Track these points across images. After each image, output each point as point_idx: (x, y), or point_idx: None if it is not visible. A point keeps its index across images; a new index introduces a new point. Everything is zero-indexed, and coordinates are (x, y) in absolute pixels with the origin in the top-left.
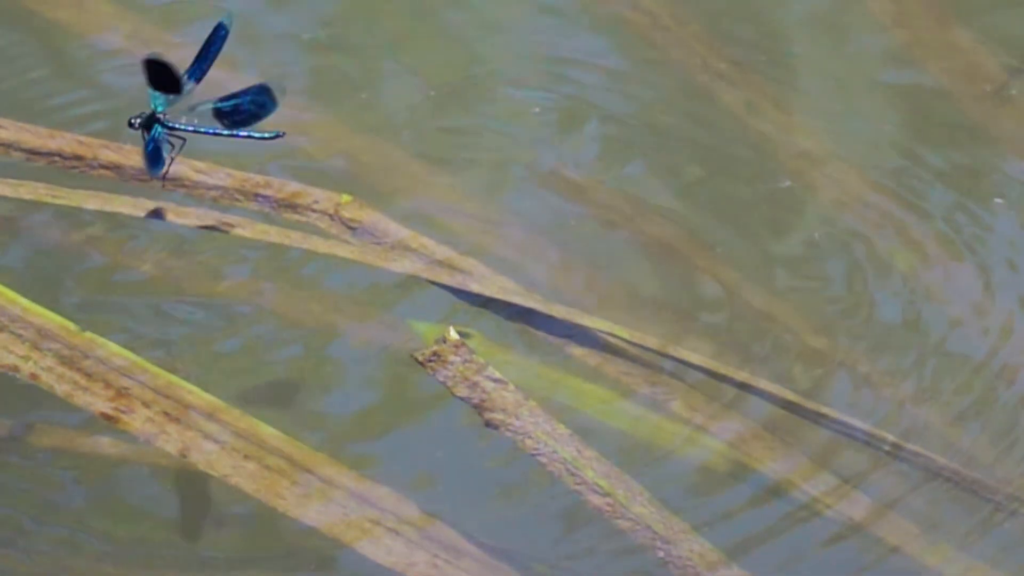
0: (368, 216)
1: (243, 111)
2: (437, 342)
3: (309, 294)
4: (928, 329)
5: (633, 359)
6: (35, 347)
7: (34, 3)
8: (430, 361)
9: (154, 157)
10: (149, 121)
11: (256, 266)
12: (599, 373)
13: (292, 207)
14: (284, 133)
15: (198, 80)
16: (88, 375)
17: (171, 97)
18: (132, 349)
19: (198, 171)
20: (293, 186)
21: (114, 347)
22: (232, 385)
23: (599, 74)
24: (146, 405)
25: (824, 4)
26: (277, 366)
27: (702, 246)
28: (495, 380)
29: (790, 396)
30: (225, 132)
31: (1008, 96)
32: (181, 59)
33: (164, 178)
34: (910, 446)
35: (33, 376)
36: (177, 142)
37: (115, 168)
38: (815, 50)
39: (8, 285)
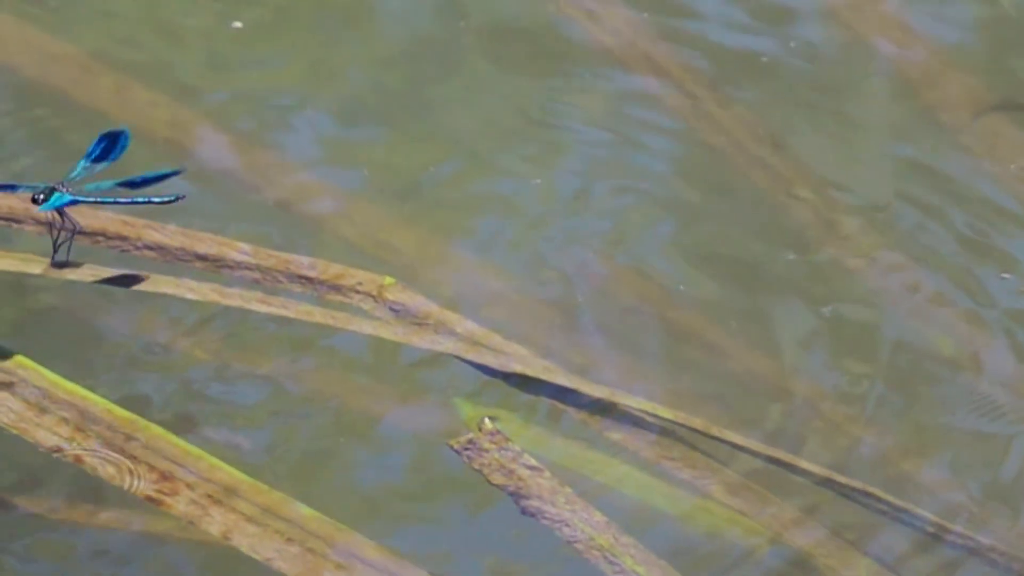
0: (410, 298)
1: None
2: (477, 426)
3: (349, 374)
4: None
5: (672, 441)
6: (79, 429)
7: (73, 89)
8: (466, 449)
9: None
10: (50, 193)
11: (297, 346)
12: (637, 456)
13: (336, 288)
14: (184, 196)
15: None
16: (132, 457)
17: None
18: (173, 430)
19: (241, 252)
20: (336, 268)
21: (157, 429)
22: (274, 466)
23: (621, 148)
24: (189, 487)
25: (875, 91)
26: (318, 447)
27: (720, 324)
28: (531, 467)
29: (835, 477)
30: (124, 200)
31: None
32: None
33: (66, 257)
34: (954, 527)
35: (77, 459)
36: (71, 224)
37: (159, 249)
38: (859, 133)
39: (49, 366)
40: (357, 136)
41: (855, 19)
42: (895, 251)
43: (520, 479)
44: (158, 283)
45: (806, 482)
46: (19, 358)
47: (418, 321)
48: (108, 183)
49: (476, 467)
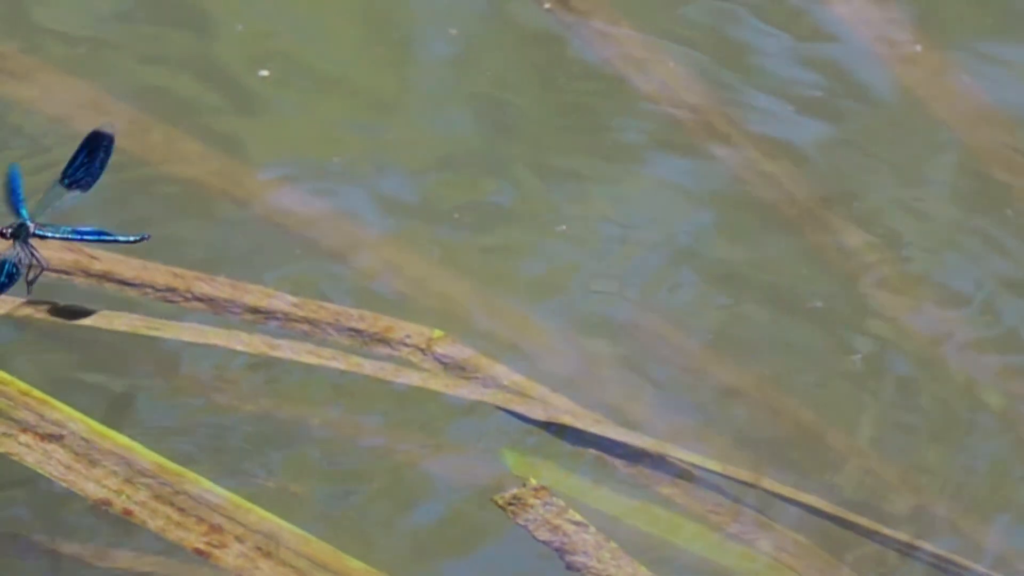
0: (459, 351)
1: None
2: (522, 482)
3: (394, 426)
4: None
5: (719, 495)
6: (128, 481)
7: (124, 141)
8: (511, 505)
9: (15, 267)
10: (19, 230)
11: (344, 396)
12: (685, 509)
13: (384, 341)
14: (149, 236)
15: (77, 187)
16: (181, 510)
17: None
18: (220, 481)
19: (290, 304)
20: (385, 320)
21: (206, 482)
22: (322, 518)
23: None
24: (239, 540)
25: (930, 147)
26: (366, 499)
27: (762, 377)
28: (576, 523)
29: (885, 531)
30: (91, 237)
31: None
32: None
33: (29, 292)
34: None
35: (126, 511)
36: (40, 262)
37: (208, 300)
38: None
39: (95, 418)
40: (398, 182)
41: (910, 77)
42: (936, 301)
43: (565, 534)
44: (208, 334)
45: (858, 537)
46: (68, 410)
47: (466, 375)
48: (74, 235)
49: (521, 522)
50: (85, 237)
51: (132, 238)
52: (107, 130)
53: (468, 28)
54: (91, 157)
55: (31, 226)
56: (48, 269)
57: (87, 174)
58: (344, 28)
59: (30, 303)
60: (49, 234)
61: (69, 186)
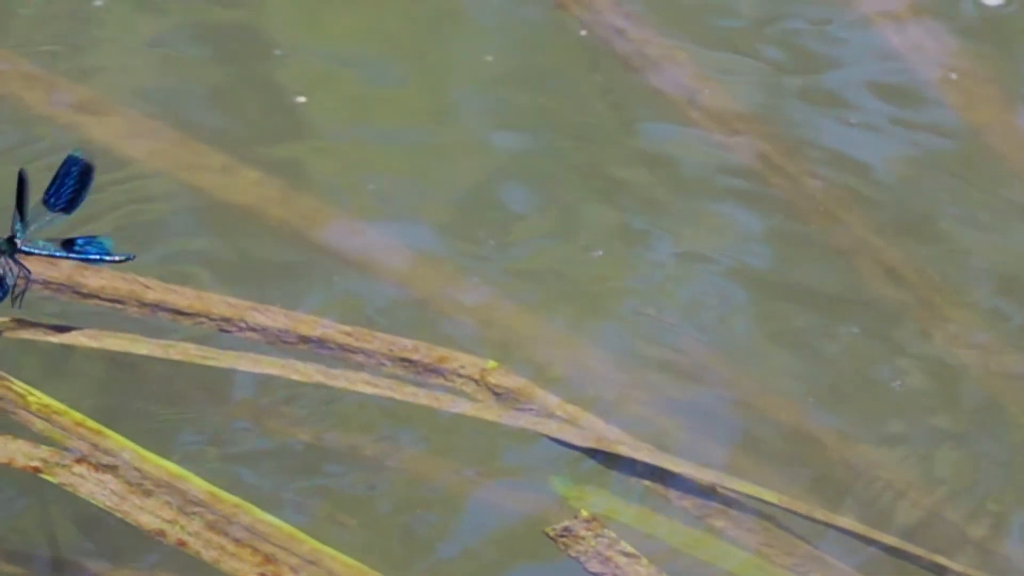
0: (513, 381)
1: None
2: (573, 514)
3: (445, 454)
4: None
5: (773, 526)
6: (182, 512)
7: (183, 172)
8: (561, 536)
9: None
10: (5, 244)
11: (395, 423)
12: (740, 540)
13: (437, 372)
14: (135, 256)
15: (60, 210)
16: (235, 540)
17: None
18: (274, 511)
19: (345, 334)
20: (440, 351)
21: (260, 513)
22: (373, 547)
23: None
24: (293, 571)
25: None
26: (417, 527)
27: (809, 409)
28: (628, 555)
29: (945, 564)
30: (77, 256)
31: None
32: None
33: (19, 306)
34: None
35: (180, 542)
36: (24, 272)
37: (262, 330)
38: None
39: (146, 447)
40: (439, 207)
41: (966, 106)
42: (991, 329)
43: (617, 566)
44: (263, 364)
45: (918, 570)
46: (122, 439)
47: (520, 405)
48: (61, 252)
49: (573, 554)
50: (71, 256)
51: (118, 257)
52: (81, 156)
53: (503, 55)
54: (69, 183)
55: (18, 241)
56: (34, 282)
57: (68, 200)
58: (380, 54)
59: (84, 333)
60: (36, 250)
61: (50, 207)
